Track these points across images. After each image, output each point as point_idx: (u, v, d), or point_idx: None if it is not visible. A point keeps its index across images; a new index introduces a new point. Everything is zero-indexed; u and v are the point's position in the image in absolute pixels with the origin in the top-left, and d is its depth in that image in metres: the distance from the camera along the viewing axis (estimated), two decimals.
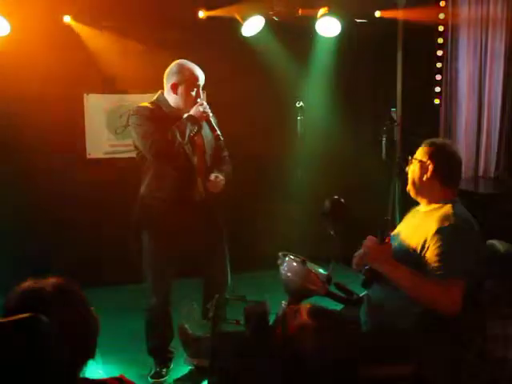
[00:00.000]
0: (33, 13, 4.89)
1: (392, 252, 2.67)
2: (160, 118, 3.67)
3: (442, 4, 6.08)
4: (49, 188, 5.30)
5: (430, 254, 2.59)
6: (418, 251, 2.64)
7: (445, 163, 2.81)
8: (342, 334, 1.75)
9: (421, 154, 2.84)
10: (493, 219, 4.77)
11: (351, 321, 2.79)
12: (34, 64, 5.09)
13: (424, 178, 2.80)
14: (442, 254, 2.56)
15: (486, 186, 6.24)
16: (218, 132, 3.74)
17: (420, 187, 2.83)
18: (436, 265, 2.56)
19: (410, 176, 2.87)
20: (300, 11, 5.56)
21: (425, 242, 2.62)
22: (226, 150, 3.98)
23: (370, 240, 2.73)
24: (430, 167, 2.79)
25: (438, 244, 2.58)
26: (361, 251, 2.86)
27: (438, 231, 2.60)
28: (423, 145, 2.87)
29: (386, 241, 2.71)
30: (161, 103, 3.76)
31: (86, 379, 1.76)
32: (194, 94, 3.70)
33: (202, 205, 3.78)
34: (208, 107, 3.70)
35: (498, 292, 2.61)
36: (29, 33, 4.96)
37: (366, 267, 2.74)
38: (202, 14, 5.43)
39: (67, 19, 5.14)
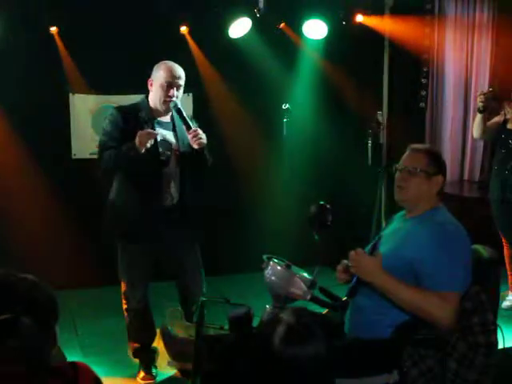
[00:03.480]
0: (20, 12, 4.87)
1: (382, 263, 2.58)
2: (131, 124, 3.65)
3: (429, 7, 6.12)
4: (34, 188, 5.27)
5: (425, 265, 2.53)
6: (408, 259, 2.57)
7: (445, 177, 2.74)
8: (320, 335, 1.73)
9: (422, 163, 2.69)
10: (477, 223, 4.79)
11: (335, 326, 2.79)
12: (20, 63, 5.06)
13: (431, 191, 2.69)
14: (437, 266, 2.50)
15: (470, 189, 6.28)
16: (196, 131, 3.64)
17: (420, 199, 2.70)
18: (432, 277, 2.50)
19: (409, 187, 2.70)
20: (282, 25, 5.56)
21: (417, 250, 2.55)
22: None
23: (358, 252, 2.62)
24: (441, 180, 2.70)
25: (434, 255, 2.51)
26: (344, 263, 2.80)
27: (432, 241, 2.54)
28: (420, 153, 2.72)
29: (376, 253, 2.62)
30: (140, 106, 3.76)
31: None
32: (165, 90, 3.66)
33: (174, 210, 3.73)
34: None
35: (482, 298, 2.60)
36: (15, 33, 4.93)
37: (354, 279, 2.70)
38: (184, 29, 5.42)
39: (53, 29, 5.11)
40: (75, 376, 1.71)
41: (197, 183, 3.87)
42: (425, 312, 2.49)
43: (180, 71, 3.72)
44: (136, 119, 3.68)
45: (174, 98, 3.66)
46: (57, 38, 5.15)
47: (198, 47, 5.43)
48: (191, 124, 3.65)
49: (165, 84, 3.67)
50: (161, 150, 3.64)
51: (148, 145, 3.51)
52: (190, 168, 3.75)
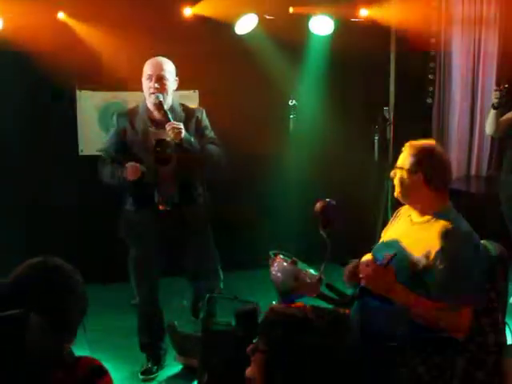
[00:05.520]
0: (26, 8, 4.87)
1: (396, 278, 2.52)
2: (130, 128, 3.74)
3: (435, 4, 6.08)
4: (40, 185, 5.28)
5: (437, 278, 2.48)
6: (419, 268, 2.53)
7: (435, 170, 2.67)
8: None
9: (406, 160, 2.70)
10: (484, 219, 4.78)
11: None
12: (26, 60, 5.06)
13: (415, 188, 2.67)
14: (450, 277, 2.46)
15: (478, 185, 6.26)
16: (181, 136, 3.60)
17: (411, 196, 2.71)
18: (445, 288, 2.46)
19: (397, 185, 2.73)
20: (291, 9, 5.54)
21: (427, 260, 2.51)
22: (210, 140, 3.85)
23: (371, 267, 2.55)
24: (421, 177, 2.65)
25: (445, 265, 2.47)
26: (354, 263, 2.77)
27: (443, 250, 2.49)
28: (407, 149, 2.72)
29: (389, 266, 2.53)
30: (139, 108, 3.81)
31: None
32: (147, 84, 3.69)
33: (175, 212, 3.73)
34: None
35: (492, 296, 2.58)
36: (22, 28, 4.93)
37: (361, 287, 2.62)
38: (188, 12, 5.38)
39: (61, 15, 5.11)
40: (74, 366, 1.73)
41: (198, 182, 3.85)
42: (439, 326, 2.46)
43: (160, 62, 3.70)
44: (134, 123, 3.74)
45: (153, 90, 3.64)
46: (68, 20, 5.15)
47: (205, 44, 5.41)
48: (170, 118, 3.61)
49: (146, 78, 3.70)
50: (159, 149, 3.64)
51: (136, 178, 3.57)
52: (190, 166, 3.73)
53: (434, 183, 2.66)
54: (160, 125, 3.69)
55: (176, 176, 3.71)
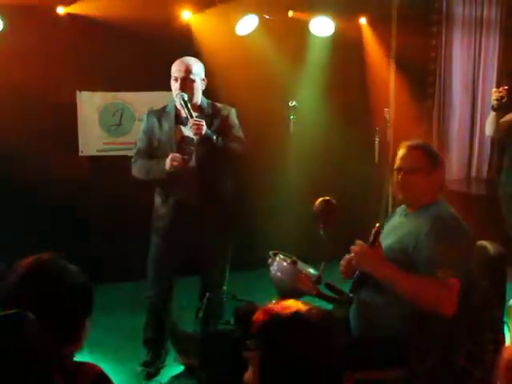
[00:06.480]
0: (26, 10, 4.88)
1: (382, 253, 2.62)
2: (159, 126, 3.81)
3: (436, 6, 6.10)
4: (39, 185, 5.27)
5: (425, 255, 2.54)
6: (410, 251, 2.59)
7: (434, 167, 2.73)
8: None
9: (407, 160, 2.73)
10: (485, 221, 4.78)
11: (340, 321, 2.79)
12: (26, 61, 5.07)
13: (416, 185, 2.71)
14: (437, 254, 2.52)
15: (478, 187, 6.27)
16: (202, 131, 3.63)
17: (412, 193, 2.74)
18: (432, 265, 2.51)
19: (398, 183, 2.76)
20: (291, 13, 5.55)
21: (417, 241, 2.58)
22: (234, 138, 3.86)
23: (359, 244, 2.66)
24: (440, 175, 2.72)
25: (432, 244, 2.53)
26: (347, 257, 2.81)
27: (431, 231, 2.56)
28: (406, 149, 2.75)
29: (377, 244, 2.64)
30: (168, 107, 3.86)
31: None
32: (174, 85, 3.73)
33: (196, 210, 3.75)
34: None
35: (489, 295, 2.59)
36: (22, 29, 4.94)
37: (357, 273, 2.70)
38: (187, 16, 5.39)
39: (61, 10, 5.10)
40: (76, 372, 1.72)
41: (222, 181, 3.88)
42: (426, 300, 2.49)
43: (186, 64, 3.73)
44: (163, 121, 3.81)
45: (179, 91, 3.67)
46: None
47: (205, 44, 5.42)
48: (192, 114, 3.64)
49: (172, 79, 3.74)
50: (183, 146, 3.69)
51: (177, 167, 3.63)
52: (212, 163, 3.76)
53: (434, 179, 2.71)
54: (186, 123, 3.73)
55: (198, 174, 3.74)
